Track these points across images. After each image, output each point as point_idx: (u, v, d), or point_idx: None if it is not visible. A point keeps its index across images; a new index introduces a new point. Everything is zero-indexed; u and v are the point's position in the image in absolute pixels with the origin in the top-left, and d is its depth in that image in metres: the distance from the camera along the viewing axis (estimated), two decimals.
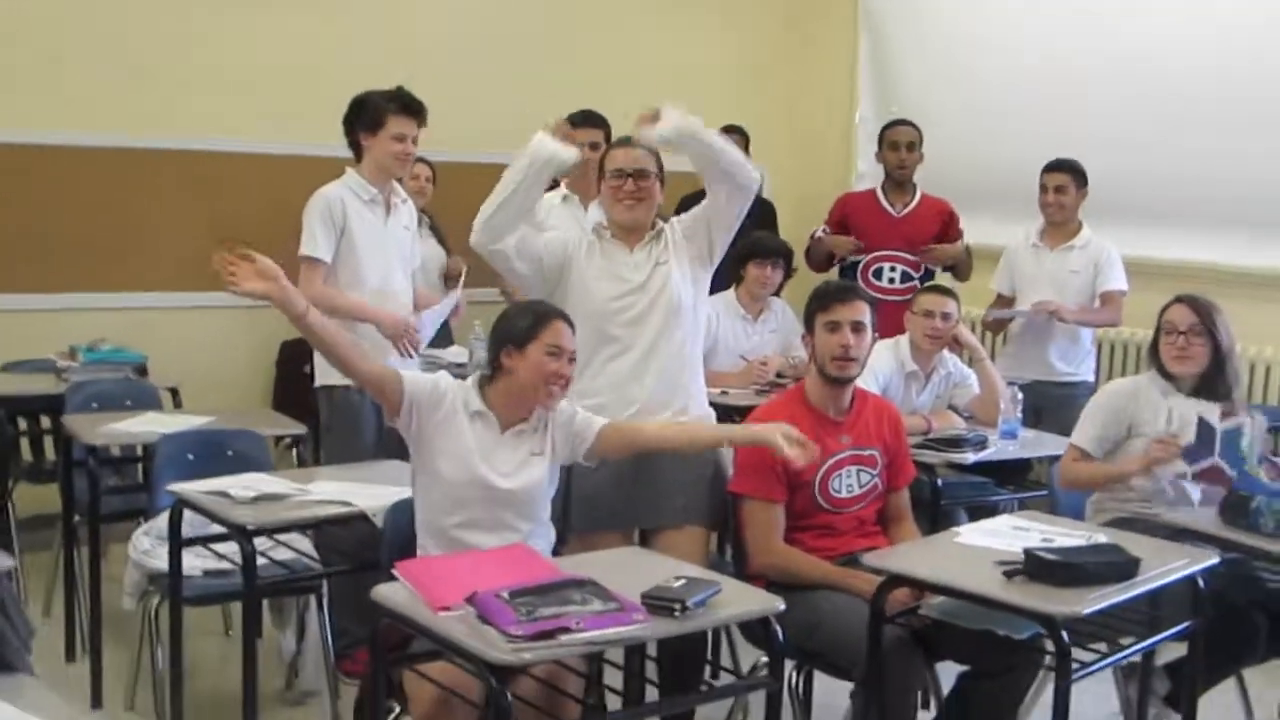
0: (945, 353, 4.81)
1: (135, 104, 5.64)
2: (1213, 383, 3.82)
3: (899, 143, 5.87)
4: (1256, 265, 5.49)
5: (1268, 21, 5.41)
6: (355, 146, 4.36)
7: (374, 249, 4.34)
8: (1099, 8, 6.03)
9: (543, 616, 2.38)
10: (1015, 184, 5.67)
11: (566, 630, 2.37)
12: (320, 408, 4.38)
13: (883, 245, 5.78)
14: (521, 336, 3.05)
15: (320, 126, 4.65)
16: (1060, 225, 5.42)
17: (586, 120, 4.75)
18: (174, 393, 5.13)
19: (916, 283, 5.73)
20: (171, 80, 5.69)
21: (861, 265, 5.84)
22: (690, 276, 3.59)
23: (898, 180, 5.87)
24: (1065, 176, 5.39)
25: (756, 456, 3.37)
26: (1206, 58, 5.59)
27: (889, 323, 5.56)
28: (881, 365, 4.65)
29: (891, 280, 5.80)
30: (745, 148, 6.28)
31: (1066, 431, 5.00)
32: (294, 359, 5.69)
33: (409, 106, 4.32)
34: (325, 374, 4.27)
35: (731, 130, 6.34)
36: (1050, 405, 5.21)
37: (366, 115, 4.31)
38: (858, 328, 3.49)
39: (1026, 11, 6.35)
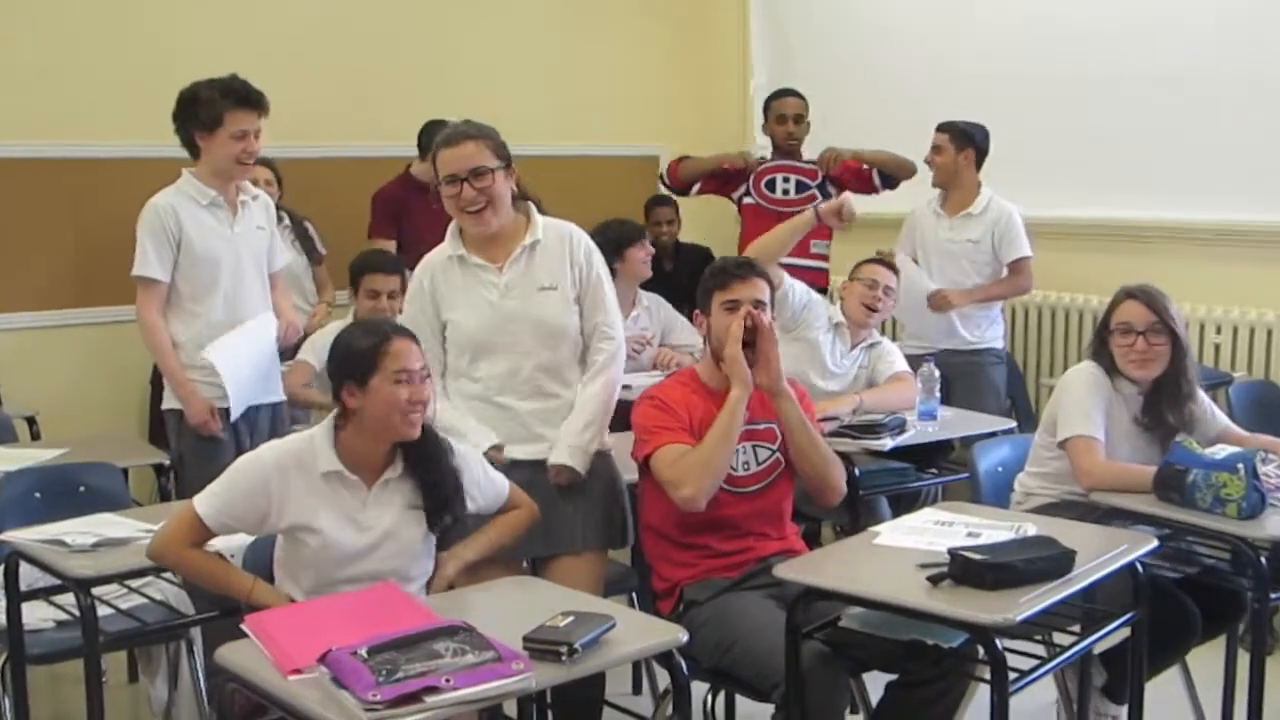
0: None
1: None
2: (1174, 383, 3.51)
3: (786, 115, 5.63)
4: (1174, 219, 5.30)
5: None
6: (191, 146, 3.91)
7: (220, 257, 3.90)
8: None
9: (406, 676, 2.06)
10: (917, 148, 5.42)
11: (434, 690, 2.05)
12: (170, 436, 3.99)
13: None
14: (361, 370, 2.68)
15: None
16: (952, 190, 5.20)
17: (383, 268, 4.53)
18: (30, 422, 4.74)
19: (814, 191, 5.53)
20: (16, 81, 5.20)
21: (754, 178, 5.61)
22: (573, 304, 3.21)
23: (786, 152, 5.62)
24: (942, 136, 5.18)
25: (655, 417, 3.15)
26: (1112, 17, 5.39)
27: None
28: (803, 289, 4.45)
29: (786, 192, 5.58)
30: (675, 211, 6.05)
31: (977, 403, 4.88)
32: None
33: (247, 98, 3.84)
34: (170, 397, 3.93)
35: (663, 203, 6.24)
36: (959, 375, 5.02)
37: (200, 112, 3.84)
38: (758, 307, 3.21)
39: None
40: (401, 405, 2.67)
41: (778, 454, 3.27)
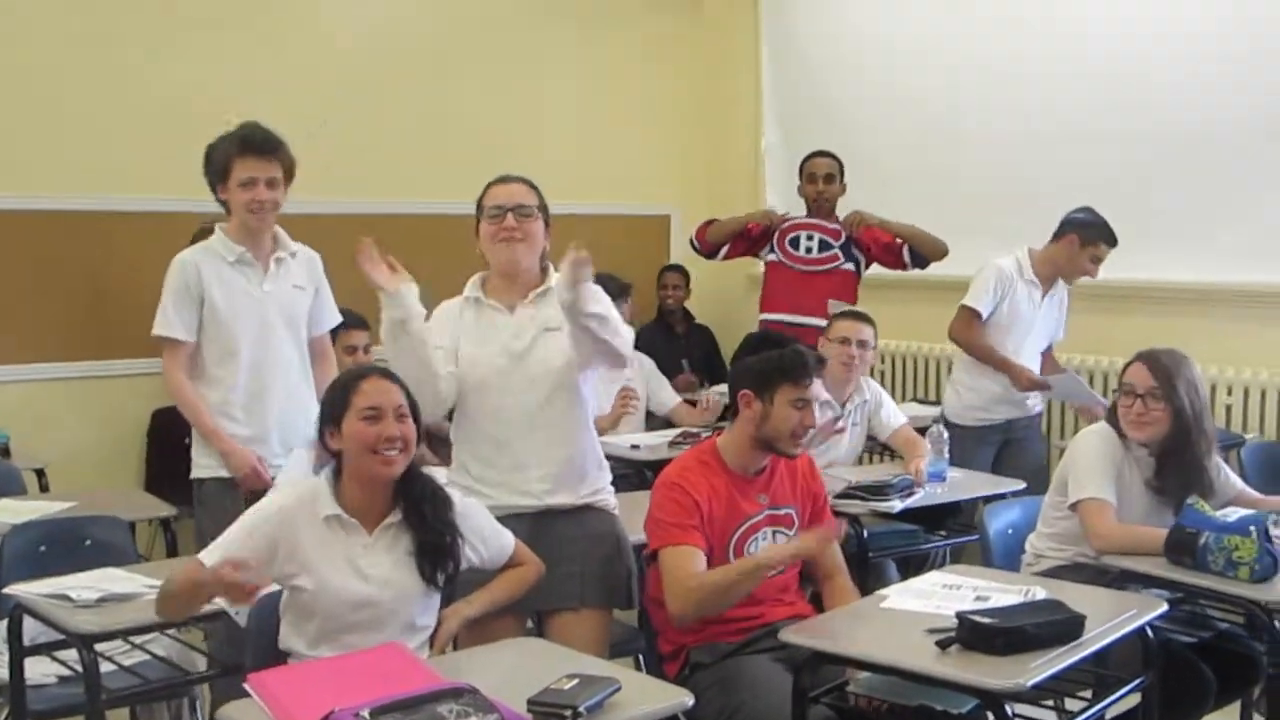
0: (864, 379, 4.61)
1: None
2: (1179, 452, 3.51)
3: (816, 175, 5.66)
4: (1187, 281, 5.31)
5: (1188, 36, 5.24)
6: (221, 201, 3.84)
7: (244, 317, 3.77)
8: (1007, 29, 5.85)
9: None
10: (930, 209, 5.44)
11: None
12: (195, 509, 3.87)
13: (803, 284, 5.54)
14: (336, 412, 2.73)
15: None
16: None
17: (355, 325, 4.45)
18: (40, 474, 4.73)
19: (837, 251, 5.55)
20: (32, 132, 5.24)
21: (778, 235, 5.64)
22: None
23: (819, 212, 5.64)
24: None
25: (672, 510, 3.08)
26: (1137, 78, 5.40)
27: (809, 294, 5.45)
28: None
29: (809, 250, 5.59)
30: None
31: (1027, 465, 4.87)
32: (166, 427, 5.28)
33: (251, 144, 3.72)
34: (196, 464, 3.83)
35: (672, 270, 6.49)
36: (1017, 438, 5.05)
37: (214, 164, 3.76)
38: (815, 404, 3.21)
39: (931, 38, 6.17)
40: (371, 442, 2.69)
41: (796, 539, 3.24)
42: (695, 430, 4.95)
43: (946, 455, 4.26)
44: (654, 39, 6.97)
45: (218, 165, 3.76)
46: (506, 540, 2.95)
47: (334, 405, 2.74)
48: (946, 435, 4.29)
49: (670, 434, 4.99)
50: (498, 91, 6.38)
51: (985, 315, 4.91)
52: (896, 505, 3.93)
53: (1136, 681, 2.92)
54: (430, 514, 2.77)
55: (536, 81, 6.53)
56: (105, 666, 2.94)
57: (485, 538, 2.89)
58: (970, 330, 4.94)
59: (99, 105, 5.36)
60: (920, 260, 5.48)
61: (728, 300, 6.84)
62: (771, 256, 5.70)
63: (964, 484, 4.28)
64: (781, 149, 6.83)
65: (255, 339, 3.80)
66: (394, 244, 5.67)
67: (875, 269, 5.71)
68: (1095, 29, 5.53)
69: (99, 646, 2.89)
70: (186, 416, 3.82)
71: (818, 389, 3.20)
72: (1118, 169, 5.45)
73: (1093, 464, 3.51)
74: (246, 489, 3.70)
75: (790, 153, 6.43)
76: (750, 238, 5.74)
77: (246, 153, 3.72)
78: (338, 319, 4.13)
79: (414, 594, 2.75)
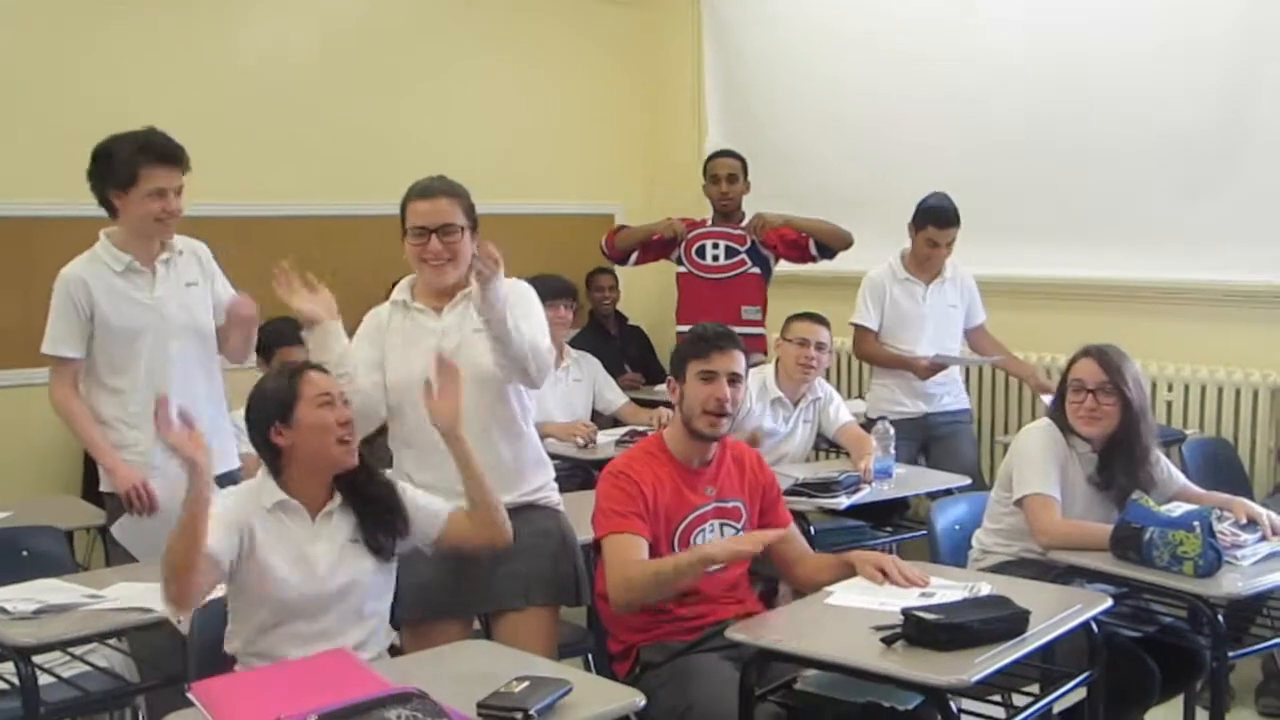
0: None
1: None
2: (1127, 446, 3.54)
3: (719, 175, 5.65)
4: (1126, 278, 5.35)
5: (1121, 35, 5.29)
6: (107, 205, 3.60)
7: (138, 327, 3.61)
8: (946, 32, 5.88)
9: None
10: (872, 209, 5.45)
11: None
12: (108, 522, 3.77)
13: (714, 293, 5.56)
14: (284, 405, 2.69)
15: None
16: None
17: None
18: None
19: (743, 256, 5.56)
20: None
21: (684, 245, 5.65)
22: None
23: (723, 213, 5.65)
24: (956, 231, 5.03)
25: (617, 498, 3.07)
26: (1069, 85, 5.45)
27: (720, 302, 5.46)
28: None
29: (716, 258, 5.61)
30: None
31: (958, 464, 4.88)
32: None
33: (164, 154, 3.54)
34: (105, 478, 3.71)
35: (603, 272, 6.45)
36: (939, 437, 5.09)
37: (115, 170, 3.52)
38: (734, 379, 3.19)
39: (873, 34, 6.18)
40: (332, 428, 2.71)
41: (742, 532, 3.24)
42: (642, 428, 4.95)
43: (893, 451, 4.28)
44: (595, 35, 6.95)
45: (121, 172, 3.55)
46: (438, 504, 2.92)
47: (280, 399, 2.70)
48: (892, 432, 4.31)
49: (617, 433, 4.98)
50: (435, 88, 6.34)
51: (873, 326, 5.15)
52: (843, 501, 3.95)
53: (1082, 676, 2.94)
54: (369, 486, 2.80)
55: (475, 78, 6.48)
56: (44, 679, 2.89)
57: (419, 505, 2.89)
58: (864, 344, 5.22)
59: (23, 110, 5.25)
60: (827, 251, 5.53)
61: (662, 301, 6.81)
62: (681, 269, 5.71)
63: (910, 480, 4.31)
64: (724, 146, 6.82)
65: (151, 347, 3.65)
66: (329, 247, 5.73)
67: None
68: (1034, 29, 5.55)
69: (37, 659, 2.84)
70: (72, 430, 3.70)
71: (729, 362, 3.19)
72: (1055, 168, 5.49)
73: (1036, 459, 3.54)
74: (131, 508, 3.60)
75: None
76: (658, 245, 5.74)
77: (156, 162, 3.53)
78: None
79: (360, 579, 2.75)
